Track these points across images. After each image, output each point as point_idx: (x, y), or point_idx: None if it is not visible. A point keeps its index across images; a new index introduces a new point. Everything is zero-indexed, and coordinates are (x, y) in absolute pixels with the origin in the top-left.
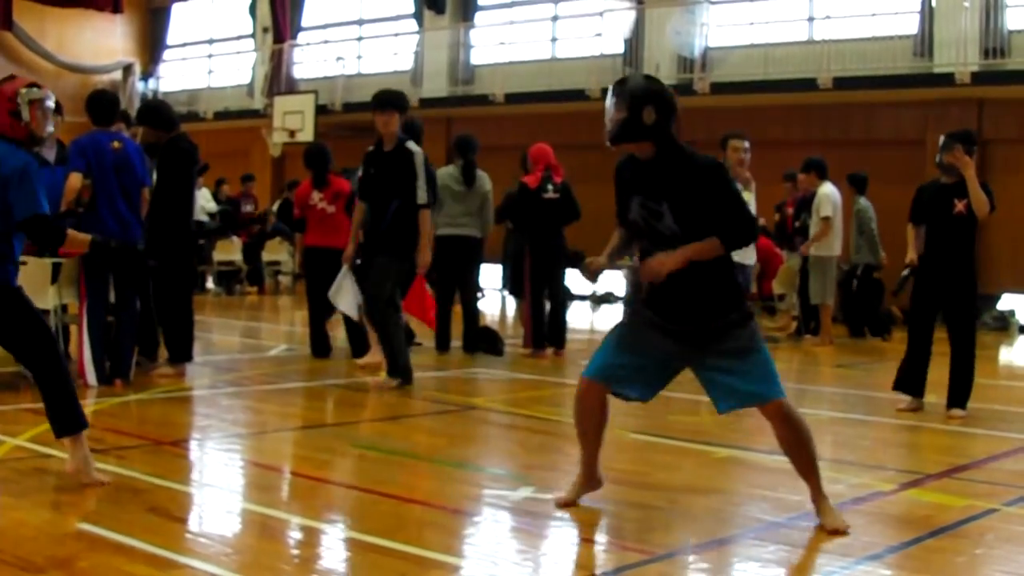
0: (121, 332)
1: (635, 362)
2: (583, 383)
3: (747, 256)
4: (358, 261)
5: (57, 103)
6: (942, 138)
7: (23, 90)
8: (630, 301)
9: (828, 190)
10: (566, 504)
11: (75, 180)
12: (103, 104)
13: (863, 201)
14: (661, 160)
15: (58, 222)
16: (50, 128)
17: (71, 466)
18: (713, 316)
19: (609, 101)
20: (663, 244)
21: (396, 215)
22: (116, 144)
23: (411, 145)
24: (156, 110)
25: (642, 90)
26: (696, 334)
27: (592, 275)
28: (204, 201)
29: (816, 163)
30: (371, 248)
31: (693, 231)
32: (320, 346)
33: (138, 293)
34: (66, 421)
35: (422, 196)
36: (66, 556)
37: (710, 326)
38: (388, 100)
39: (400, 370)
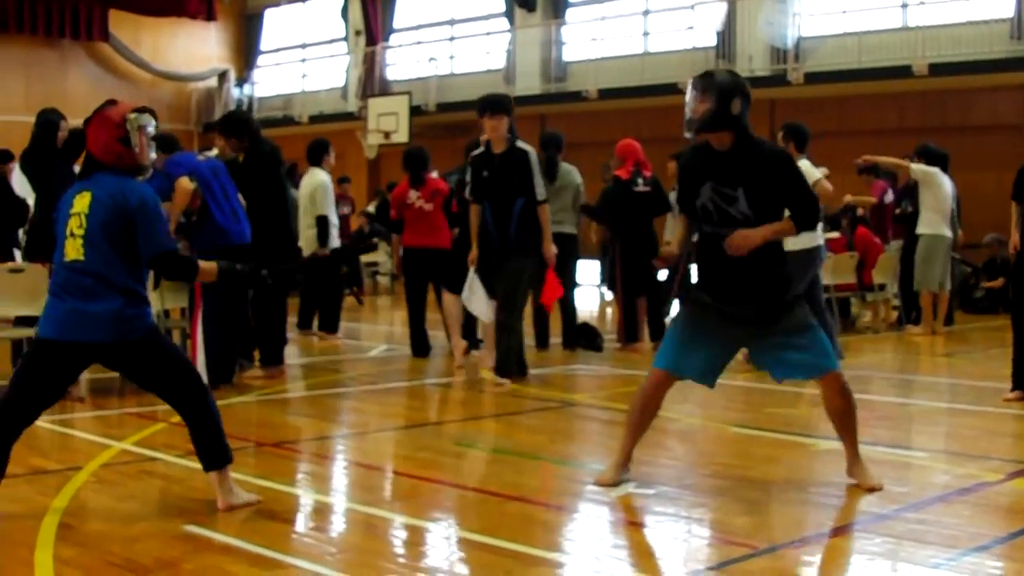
0: (224, 335)
1: (702, 351)
2: (656, 375)
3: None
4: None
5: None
6: None
7: (131, 115)
8: (687, 289)
9: (932, 168)
10: (611, 484)
11: (186, 183)
12: (163, 139)
13: None
14: (738, 149)
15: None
16: (152, 156)
17: (221, 502)
18: (770, 297)
19: (692, 92)
20: (734, 226)
21: (522, 215)
22: (201, 157)
23: (523, 144)
24: (239, 121)
25: (730, 83)
26: (755, 316)
27: (665, 263)
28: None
29: (926, 150)
30: (501, 250)
31: (764, 214)
32: (420, 345)
33: (243, 298)
34: (213, 455)
35: (541, 192)
36: (172, 558)
37: (767, 307)
38: (497, 104)
39: (509, 370)
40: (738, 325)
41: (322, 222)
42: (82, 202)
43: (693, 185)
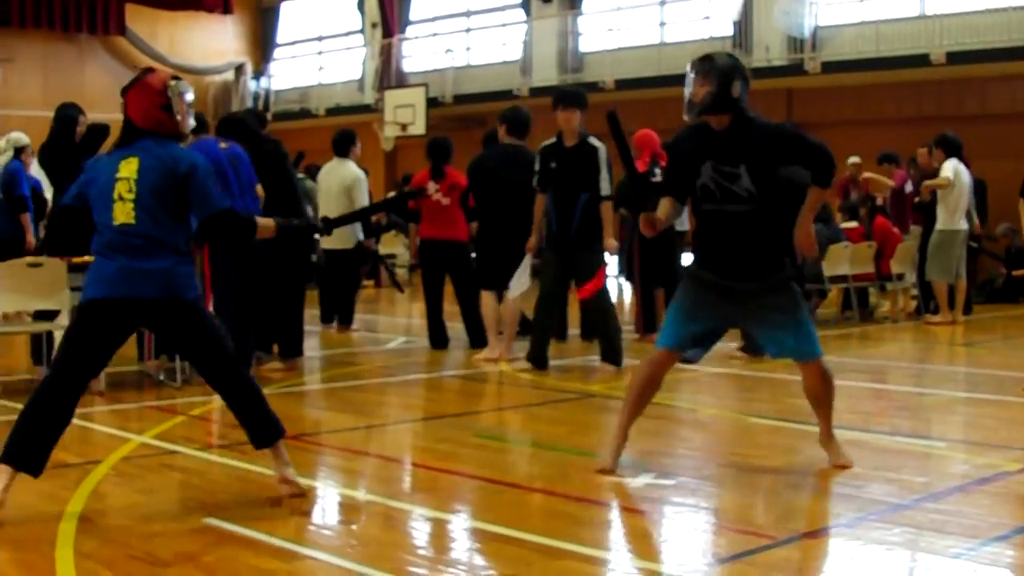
0: (240, 325)
1: (701, 327)
2: (661, 354)
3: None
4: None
5: None
6: None
7: (172, 83)
8: (688, 265)
9: (954, 163)
10: (610, 471)
11: None
12: (200, 118)
13: None
14: (736, 127)
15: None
16: (192, 122)
17: (277, 476)
18: (769, 272)
19: (693, 76)
20: (737, 202)
21: (585, 209)
22: (223, 144)
23: (594, 140)
24: (233, 122)
25: (730, 66)
26: (752, 291)
27: (653, 229)
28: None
29: (942, 140)
30: (565, 244)
31: (766, 188)
32: (438, 337)
33: (257, 288)
34: (263, 431)
35: (606, 188)
36: (193, 550)
37: (766, 282)
38: (570, 97)
39: (617, 357)
40: (736, 301)
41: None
42: (129, 167)
43: (692, 165)
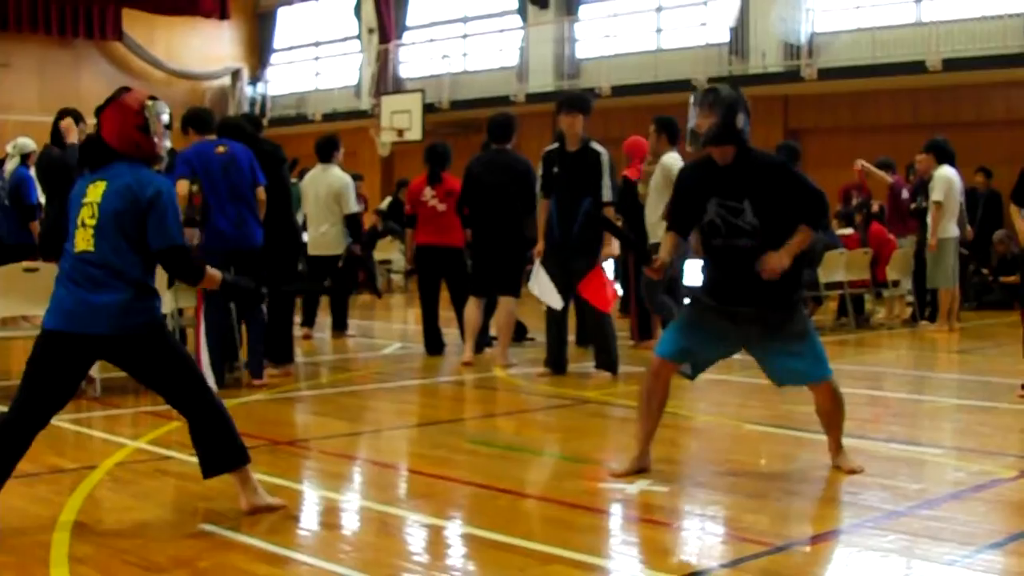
0: (251, 335)
1: (701, 344)
2: (658, 362)
3: None
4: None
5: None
6: None
7: (149, 103)
8: (692, 290)
9: (943, 173)
10: (622, 475)
11: (181, 187)
12: (199, 115)
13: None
14: (740, 161)
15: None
16: (167, 144)
17: (244, 503)
18: (775, 301)
19: (698, 107)
20: (742, 236)
21: (587, 214)
22: (221, 148)
23: (596, 145)
24: (231, 127)
25: (735, 98)
26: (758, 318)
27: (657, 272)
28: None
29: (935, 145)
30: (565, 248)
31: (770, 222)
32: (434, 343)
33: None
34: (226, 457)
35: (607, 193)
36: (188, 556)
37: (771, 310)
38: (573, 102)
39: (613, 363)
40: (743, 327)
41: (354, 219)
42: (96, 191)
43: (698, 201)
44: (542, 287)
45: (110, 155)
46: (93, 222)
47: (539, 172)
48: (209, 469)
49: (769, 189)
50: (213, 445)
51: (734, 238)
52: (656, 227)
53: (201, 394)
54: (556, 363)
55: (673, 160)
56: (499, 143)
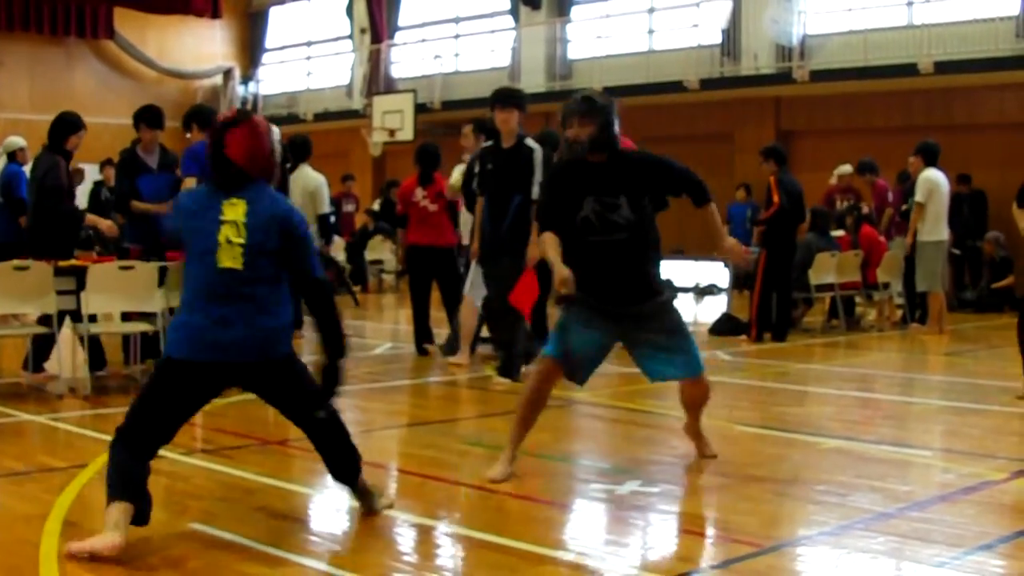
0: None
1: (587, 345)
2: (549, 363)
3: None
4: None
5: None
6: None
7: (275, 128)
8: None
9: (927, 175)
10: (504, 479)
11: (188, 184)
12: (204, 113)
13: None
14: (613, 161)
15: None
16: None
17: (364, 511)
18: (650, 297)
19: (576, 117)
20: (618, 231)
21: (518, 212)
22: None
23: (531, 142)
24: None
25: (609, 105)
26: (635, 315)
27: (570, 290)
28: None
29: (923, 147)
30: (494, 245)
31: (642, 215)
32: (424, 343)
33: None
34: (351, 469)
35: (536, 191)
36: (179, 555)
37: (646, 306)
38: (509, 97)
39: (514, 370)
40: (618, 322)
41: (325, 220)
42: (236, 211)
43: (573, 199)
44: (476, 290)
45: (241, 175)
46: (240, 240)
47: (476, 169)
48: (341, 477)
49: (644, 183)
50: (342, 460)
51: (610, 233)
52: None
53: (330, 414)
54: (509, 371)
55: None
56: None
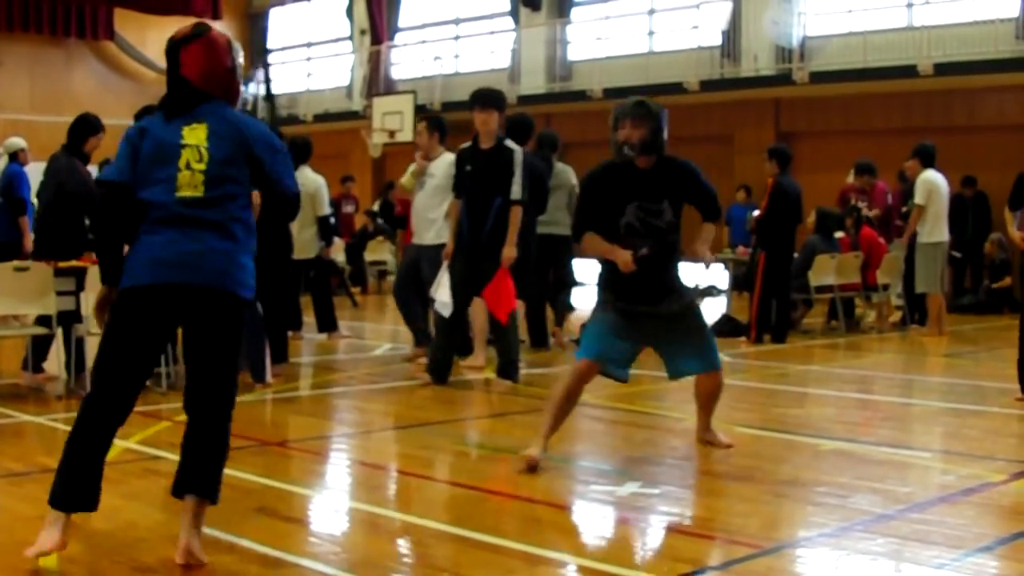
0: (252, 337)
1: (622, 346)
2: (585, 365)
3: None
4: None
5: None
6: None
7: (235, 43)
8: (604, 292)
9: (926, 177)
10: (536, 463)
11: None
12: None
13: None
14: (660, 166)
15: None
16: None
17: (182, 543)
18: (678, 297)
19: (629, 119)
20: (658, 235)
21: (499, 214)
22: None
23: (510, 143)
24: None
25: (661, 110)
26: (666, 315)
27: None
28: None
29: (920, 150)
30: (475, 248)
31: (679, 219)
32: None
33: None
34: (211, 483)
35: (517, 192)
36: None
37: (675, 306)
38: (488, 98)
39: (513, 371)
40: (651, 327)
41: (325, 222)
42: (196, 135)
43: (616, 203)
44: (441, 293)
45: (197, 96)
46: (202, 166)
47: (453, 170)
48: (181, 486)
49: (683, 189)
50: (208, 466)
51: (650, 237)
52: (429, 223)
53: (227, 402)
54: (438, 371)
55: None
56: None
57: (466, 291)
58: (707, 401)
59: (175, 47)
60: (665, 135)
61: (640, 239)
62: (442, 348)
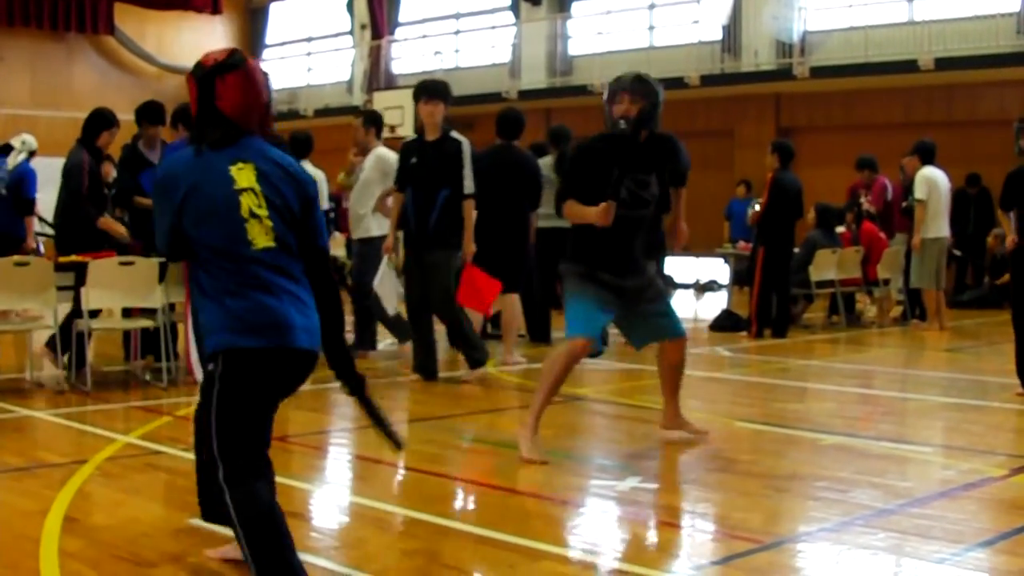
0: None
1: (604, 319)
2: (582, 343)
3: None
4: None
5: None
6: (1016, 124)
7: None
8: (577, 263)
9: (926, 173)
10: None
11: None
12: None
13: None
14: (649, 140)
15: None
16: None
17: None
18: (640, 274)
19: (628, 93)
20: (642, 207)
21: (445, 206)
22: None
23: (456, 134)
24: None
25: (658, 85)
26: (638, 287)
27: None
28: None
29: (920, 147)
30: (421, 241)
31: (666, 192)
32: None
33: None
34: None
35: (469, 185)
36: (178, 551)
37: (645, 277)
38: (434, 90)
39: (481, 360)
40: (624, 297)
41: (324, 216)
42: (245, 176)
43: (604, 173)
44: (383, 287)
45: (236, 131)
46: (264, 212)
47: (397, 164)
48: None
49: (669, 161)
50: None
51: (637, 209)
52: (362, 219)
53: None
54: (424, 368)
55: (387, 153)
56: (507, 139)
57: (412, 283)
58: (673, 374)
59: (210, 76)
60: (659, 111)
61: (627, 210)
62: (421, 344)
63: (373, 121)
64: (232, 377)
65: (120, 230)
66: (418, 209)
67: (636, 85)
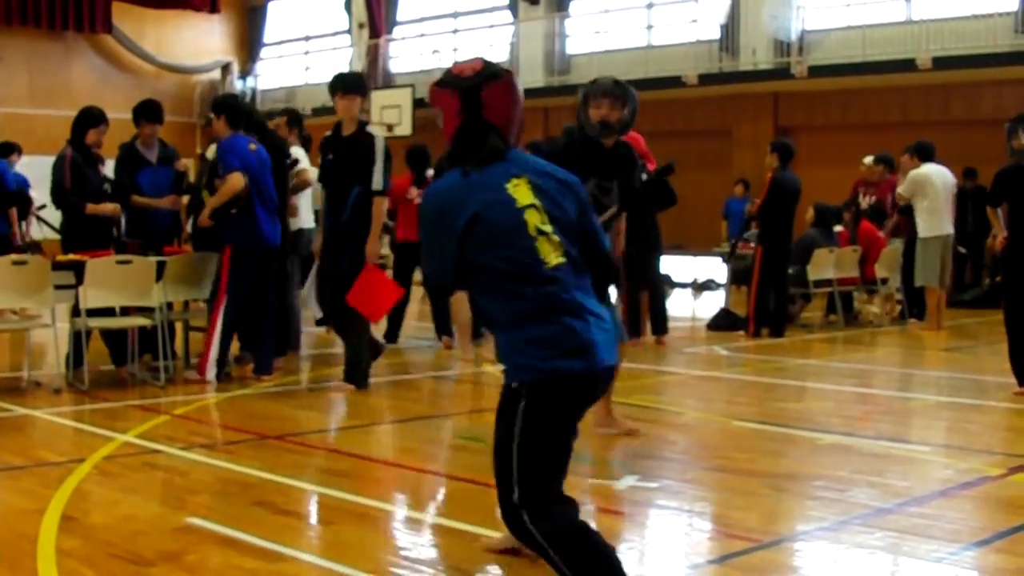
0: (264, 329)
1: None
2: None
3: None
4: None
5: (154, 108)
6: (1007, 125)
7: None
8: None
9: (920, 171)
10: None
11: (238, 180)
12: (237, 108)
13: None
14: (617, 147)
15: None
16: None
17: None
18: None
19: (609, 98)
20: (602, 213)
21: (357, 203)
22: (252, 146)
23: (372, 129)
24: (260, 123)
25: (635, 92)
26: None
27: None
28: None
29: (918, 146)
30: (333, 239)
31: (626, 197)
32: (392, 336)
33: (273, 290)
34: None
35: (378, 182)
36: (175, 550)
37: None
38: (350, 84)
39: (360, 377)
40: None
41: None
42: (523, 192)
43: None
44: (311, 292)
45: (503, 144)
46: (550, 228)
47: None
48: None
49: (628, 169)
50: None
51: (598, 213)
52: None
53: None
54: (356, 376)
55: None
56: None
57: (324, 284)
58: None
59: (476, 87)
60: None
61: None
62: (353, 349)
63: (296, 121)
64: (540, 407)
65: (108, 208)
66: (331, 207)
67: (618, 91)
